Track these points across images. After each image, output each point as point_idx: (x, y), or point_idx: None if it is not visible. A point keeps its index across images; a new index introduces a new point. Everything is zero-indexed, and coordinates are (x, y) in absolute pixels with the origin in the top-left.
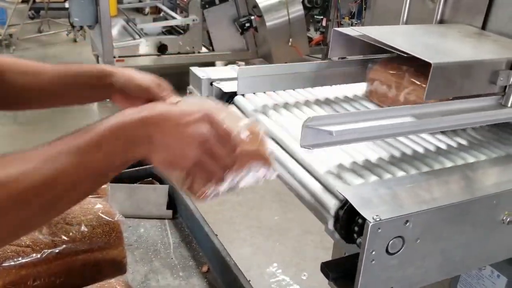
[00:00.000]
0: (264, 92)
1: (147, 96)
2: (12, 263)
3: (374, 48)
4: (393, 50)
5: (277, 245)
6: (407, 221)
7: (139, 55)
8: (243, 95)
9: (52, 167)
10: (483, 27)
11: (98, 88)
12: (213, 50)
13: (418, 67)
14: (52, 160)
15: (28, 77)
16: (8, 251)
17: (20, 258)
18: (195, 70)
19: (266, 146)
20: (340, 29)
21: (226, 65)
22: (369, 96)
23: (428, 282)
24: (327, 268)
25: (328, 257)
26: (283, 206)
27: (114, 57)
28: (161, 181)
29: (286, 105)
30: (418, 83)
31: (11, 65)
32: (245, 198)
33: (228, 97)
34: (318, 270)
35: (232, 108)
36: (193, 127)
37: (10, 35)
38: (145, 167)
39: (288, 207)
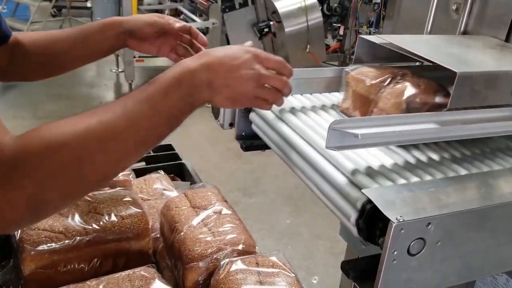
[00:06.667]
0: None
1: (156, 30)
2: (46, 247)
3: (398, 57)
4: (418, 59)
5: (288, 249)
6: (429, 223)
7: (158, 56)
8: None
9: (131, 116)
10: (507, 39)
11: (113, 38)
12: None
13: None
14: (130, 111)
15: (48, 46)
16: (42, 236)
17: (53, 244)
18: None
19: None
20: (366, 37)
21: None
22: None
23: (445, 285)
24: (348, 266)
25: (339, 262)
26: (294, 210)
27: (134, 56)
28: (183, 178)
29: (313, 108)
30: None
31: (30, 38)
32: (256, 201)
33: None
34: (328, 274)
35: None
36: (245, 67)
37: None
38: (169, 163)
39: (299, 211)
